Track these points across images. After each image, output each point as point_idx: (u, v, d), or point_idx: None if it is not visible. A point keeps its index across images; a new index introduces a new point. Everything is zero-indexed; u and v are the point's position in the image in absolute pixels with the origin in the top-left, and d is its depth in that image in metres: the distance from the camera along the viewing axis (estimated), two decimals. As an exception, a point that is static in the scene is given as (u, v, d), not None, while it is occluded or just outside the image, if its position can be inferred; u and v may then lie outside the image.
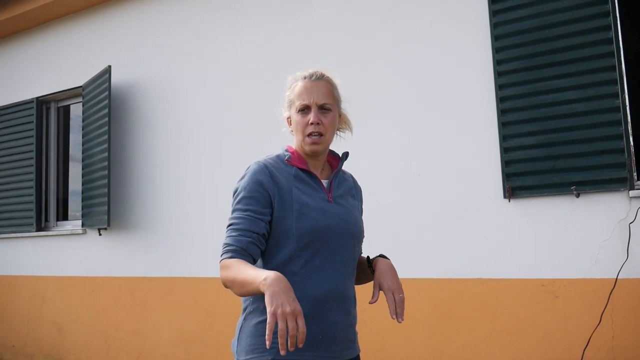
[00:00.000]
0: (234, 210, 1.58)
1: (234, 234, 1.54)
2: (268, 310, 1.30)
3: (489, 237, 3.08)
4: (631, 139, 2.78)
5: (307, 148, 1.63)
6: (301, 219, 1.55)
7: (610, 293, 2.73)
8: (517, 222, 3.01)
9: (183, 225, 4.15)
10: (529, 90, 3.00)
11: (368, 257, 1.73)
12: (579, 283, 2.82)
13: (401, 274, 3.47)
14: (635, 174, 2.78)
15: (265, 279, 1.33)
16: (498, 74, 3.08)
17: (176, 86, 4.29)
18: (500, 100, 3.06)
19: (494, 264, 3.05)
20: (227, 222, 1.57)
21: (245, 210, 1.55)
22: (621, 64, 2.82)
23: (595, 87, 2.85)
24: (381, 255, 1.72)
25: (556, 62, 2.94)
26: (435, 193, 3.25)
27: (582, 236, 2.84)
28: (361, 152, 3.49)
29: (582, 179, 2.84)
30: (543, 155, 2.94)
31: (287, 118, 1.71)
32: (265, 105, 3.85)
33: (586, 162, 2.84)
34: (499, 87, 3.07)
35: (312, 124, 1.60)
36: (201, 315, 4.01)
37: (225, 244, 1.53)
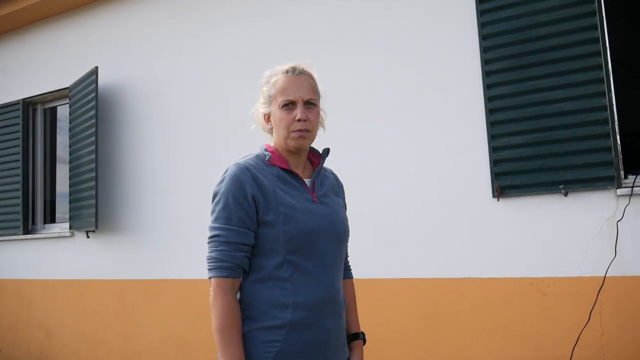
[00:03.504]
0: (217, 219, 1.49)
1: (224, 248, 1.47)
2: None
3: (478, 236, 3.08)
4: (618, 137, 2.80)
5: (293, 143, 1.56)
6: (288, 222, 1.49)
7: (599, 291, 2.75)
8: (506, 221, 3.02)
9: (172, 227, 4.12)
10: (517, 90, 3.01)
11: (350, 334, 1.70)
12: (568, 281, 2.84)
13: (391, 274, 3.49)
14: (622, 172, 2.80)
15: None
16: (486, 74, 3.08)
17: (164, 87, 4.26)
18: (488, 99, 3.07)
19: (483, 263, 3.05)
20: (211, 232, 1.49)
21: (231, 219, 1.48)
22: (608, 63, 2.83)
23: (582, 86, 2.86)
24: (358, 335, 1.71)
25: (544, 62, 2.95)
26: (424, 193, 3.25)
27: (570, 235, 2.85)
28: (351, 152, 3.49)
29: (570, 178, 2.85)
30: (531, 154, 2.95)
31: (265, 115, 1.61)
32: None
33: (574, 161, 2.85)
34: (487, 86, 3.07)
35: (299, 120, 1.53)
36: (191, 317, 3.98)
37: (217, 259, 1.47)
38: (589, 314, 2.76)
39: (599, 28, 2.84)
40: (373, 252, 3.32)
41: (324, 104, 1.65)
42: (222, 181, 1.52)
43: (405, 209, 3.30)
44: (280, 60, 3.75)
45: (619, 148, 2.79)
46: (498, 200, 3.04)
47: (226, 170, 1.53)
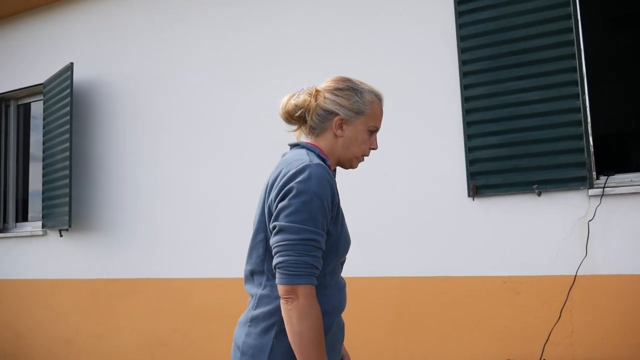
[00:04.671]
0: (307, 220, 1.37)
1: (317, 254, 1.39)
2: None
3: (453, 235, 3.10)
4: (591, 139, 2.85)
5: (352, 164, 1.61)
6: (343, 234, 1.50)
7: (570, 289, 2.79)
8: (481, 221, 3.05)
9: (147, 225, 4.07)
10: (493, 91, 3.04)
11: None
12: (540, 280, 2.87)
13: (366, 273, 3.49)
14: (594, 173, 2.85)
15: None
16: (463, 75, 3.11)
17: (141, 84, 4.21)
18: (465, 100, 3.09)
19: (458, 262, 3.08)
20: (303, 234, 1.36)
21: (320, 223, 1.39)
22: (582, 65, 2.88)
23: (557, 88, 2.91)
24: None
25: (520, 63, 2.99)
26: (401, 192, 3.27)
27: (543, 234, 2.89)
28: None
29: (543, 178, 2.89)
30: (506, 154, 2.98)
31: (341, 119, 1.55)
32: (235, 104, 3.82)
33: (548, 162, 2.89)
34: (464, 87, 3.10)
35: (373, 149, 1.61)
36: (166, 317, 3.93)
37: (311, 265, 1.37)
38: (559, 312, 2.80)
39: (574, 31, 2.89)
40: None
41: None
42: (308, 179, 1.39)
43: (382, 209, 3.31)
44: (259, 60, 3.76)
45: (592, 149, 2.84)
46: (473, 200, 3.06)
47: (305, 167, 1.41)
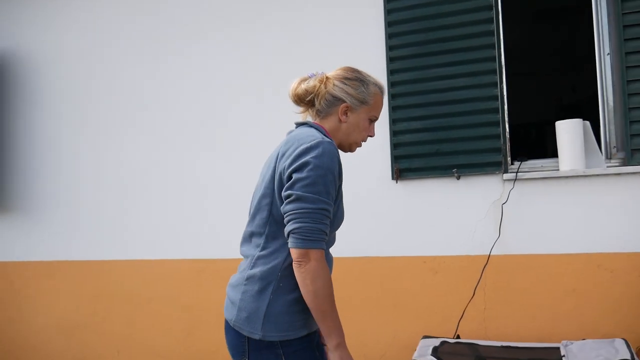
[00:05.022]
0: (322, 192, 1.51)
1: (328, 223, 1.55)
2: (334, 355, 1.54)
3: (377, 216, 3.19)
4: (507, 125, 2.99)
5: (350, 149, 1.77)
6: (340, 207, 1.66)
7: (483, 268, 2.94)
8: (404, 203, 3.14)
9: (64, 207, 3.89)
10: (418, 77, 3.12)
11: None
12: (457, 259, 3.01)
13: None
14: (509, 158, 3.00)
15: (343, 344, 1.54)
16: (390, 60, 3.17)
17: (73, 60, 3.97)
18: (391, 84, 3.15)
19: (381, 243, 3.16)
20: (318, 204, 1.51)
21: (331, 195, 1.55)
22: (501, 55, 3.01)
23: (478, 76, 3.02)
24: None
25: (445, 51, 3.08)
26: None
27: (461, 216, 3.02)
28: (248, 134, 3.47)
29: (462, 162, 3.01)
30: (429, 139, 3.08)
31: (347, 106, 1.69)
32: (156, 84, 3.69)
33: (467, 147, 3.01)
34: (390, 72, 3.16)
35: (370, 136, 1.77)
36: (84, 300, 3.79)
37: (323, 232, 1.53)
38: (474, 289, 2.95)
39: (494, 21, 3.00)
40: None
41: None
42: (322, 155, 1.53)
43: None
44: (185, 32, 3.63)
45: (507, 136, 2.99)
46: (397, 183, 3.15)
47: (319, 144, 1.54)
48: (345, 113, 1.70)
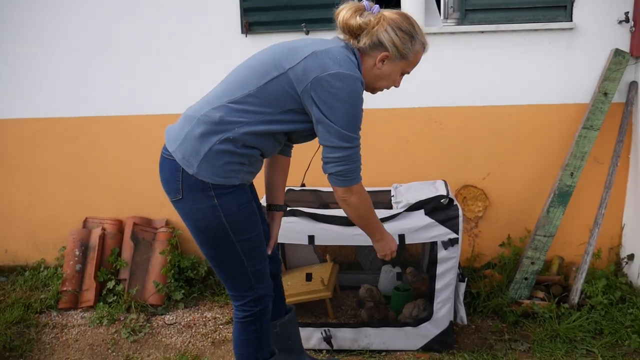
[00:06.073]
0: (358, 128, 1.65)
1: (360, 157, 1.70)
2: (380, 254, 1.99)
3: (227, 70, 3.12)
4: (355, -20, 2.99)
5: (374, 92, 1.81)
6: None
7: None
8: (254, 58, 3.11)
9: None
10: None
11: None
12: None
13: (138, 111, 3.37)
14: (356, 14, 3.04)
15: (383, 238, 1.95)
16: None
17: None
18: None
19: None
20: (355, 141, 1.64)
21: (359, 129, 1.67)
22: None
23: None
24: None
25: None
26: (172, 24, 3.12)
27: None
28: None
29: (311, 17, 3.00)
30: (279, -9, 2.99)
31: (387, 54, 1.68)
32: None
33: (316, 1, 2.98)
34: None
35: (395, 86, 1.79)
36: None
37: (358, 167, 1.70)
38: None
39: None
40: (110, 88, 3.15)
41: None
42: (355, 90, 1.59)
43: (149, 42, 3.15)
44: None
45: (355, -9, 3.00)
46: (246, 37, 3.08)
47: (357, 79, 1.60)
48: (383, 61, 1.69)
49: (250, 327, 1.87)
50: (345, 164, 1.66)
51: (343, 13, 1.67)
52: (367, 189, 1.86)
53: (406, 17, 1.70)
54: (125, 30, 3.16)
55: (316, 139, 1.74)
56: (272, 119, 1.66)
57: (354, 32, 1.67)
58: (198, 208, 1.67)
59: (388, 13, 1.69)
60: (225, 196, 1.66)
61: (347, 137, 1.62)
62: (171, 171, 1.68)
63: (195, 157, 1.64)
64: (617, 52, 2.90)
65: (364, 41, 1.67)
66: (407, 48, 1.69)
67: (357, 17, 1.65)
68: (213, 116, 1.65)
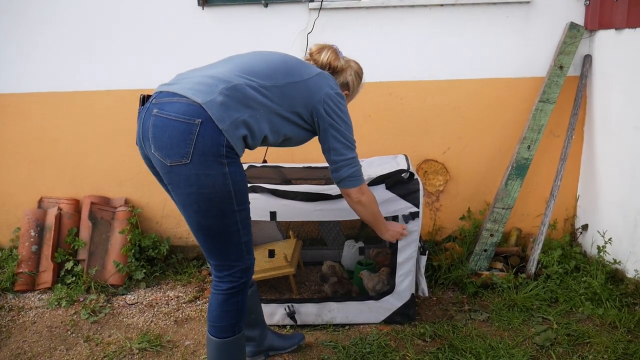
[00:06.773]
0: (353, 140, 1.97)
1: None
2: (394, 240, 2.40)
3: (184, 44, 3.05)
4: (315, -49, 2.93)
5: None
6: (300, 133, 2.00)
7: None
8: (211, 30, 3.03)
9: None
10: None
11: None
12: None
13: (89, 87, 3.26)
14: (316, -13, 2.99)
15: (390, 231, 2.33)
16: None
17: None
18: None
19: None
20: (353, 151, 1.96)
21: None
22: None
23: None
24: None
25: None
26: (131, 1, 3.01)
27: (269, 44, 3.01)
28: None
29: (270, -11, 2.93)
30: (236, -38, 2.91)
31: (346, 94, 2.12)
32: None
33: (275, -28, 2.92)
34: None
35: None
36: None
37: (361, 170, 2.00)
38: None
39: None
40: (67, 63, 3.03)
41: None
42: (343, 104, 1.94)
43: (104, 19, 3.03)
44: None
45: (315, -37, 2.94)
46: (203, 9, 2.99)
47: (339, 93, 1.94)
48: (348, 87, 2.14)
49: (233, 299, 1.86)
50: (355, 165, 1.96)
51: (328, 54, 2.05)
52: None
53: (361, 69, 2.17)
54: (76, 3, 3.03)
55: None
56: (283, 115, 1.83)
57: (333, 71, 2.06)
58: (207, 174, 1.66)
59: (353, 62, 2.15)
60: (233, 165, 1.71)
61: (352, 142, 1.96)
62: (180, 133, 1.63)
63: (228, 116, 1.68)
64: (572, 26, 2.95)
65: (338, 79, 2.09)
66: (357, 89, 2.18)
67: (341, 60, 2.08)
68: (246, 91, 1.73)
